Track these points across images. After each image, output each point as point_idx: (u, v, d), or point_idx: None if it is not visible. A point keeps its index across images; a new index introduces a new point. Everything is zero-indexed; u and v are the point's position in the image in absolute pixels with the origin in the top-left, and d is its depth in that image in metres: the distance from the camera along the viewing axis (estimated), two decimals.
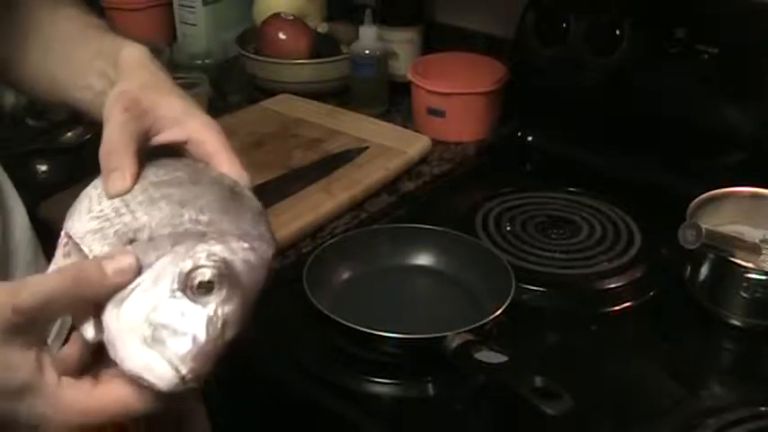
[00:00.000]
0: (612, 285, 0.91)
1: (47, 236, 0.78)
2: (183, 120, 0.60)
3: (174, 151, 0.61)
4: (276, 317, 0.80)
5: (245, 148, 1.14)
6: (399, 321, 0.81)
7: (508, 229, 1.00)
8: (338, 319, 0.79)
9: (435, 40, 1.34)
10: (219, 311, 0.49)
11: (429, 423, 0.77)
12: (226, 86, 1.37)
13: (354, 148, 1.13)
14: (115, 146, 0.57)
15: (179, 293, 0.48)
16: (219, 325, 0.48)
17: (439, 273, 0.91)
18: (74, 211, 0.58)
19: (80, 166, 1.09)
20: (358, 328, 0.78)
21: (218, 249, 0.50)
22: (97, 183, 0.59)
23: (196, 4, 1.41)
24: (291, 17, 1.35)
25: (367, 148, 1.13)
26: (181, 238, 0.51)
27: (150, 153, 0.60)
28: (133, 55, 0.63)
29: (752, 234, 0.89)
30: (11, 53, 0.72)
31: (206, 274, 0.49)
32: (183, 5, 1.43)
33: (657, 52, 1.04)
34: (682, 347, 0.86)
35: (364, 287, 0.89)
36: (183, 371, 0.47)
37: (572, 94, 1.12)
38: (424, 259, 0.92)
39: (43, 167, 1.12)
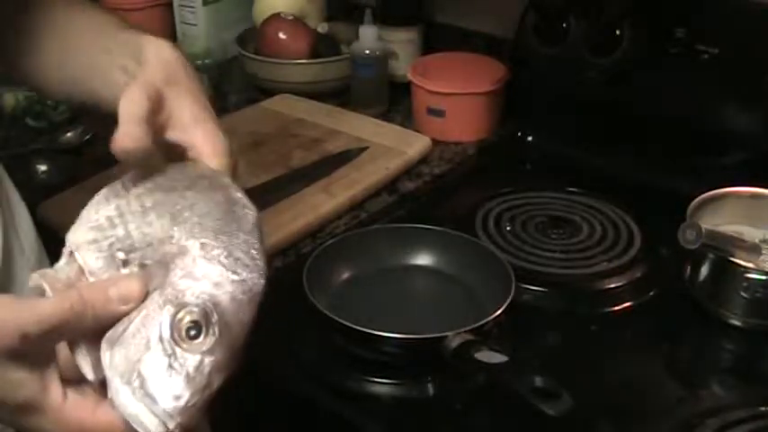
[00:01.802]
0: (612, 285, 0.91)
1: (46, 236, 0.78)
2: (192, 126, 0.60)
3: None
4: (276, 317, 0.80)
5: (245, 149, 1.14)
6: (399, 321, 0.81)
7: (508, 229, 1.00)
8: (338, 319, 0.79)
9: (435, 40, 1.34)
10: (206, 361, 0.49)
11: (429, 423, 0.77)
12: (226, 86, 1.37)
13: (354, 149, 1.13)
14: (129, 115, 0.56)
15: (166, 341, 0.48)
16: (206, 375, 0.49)
17: (439, 273, 0.91)
18: (77, 220, 0.58)
19: (80, 166, 1.09)
20: (358, 328, 0.78)
21: (207, 287, 0.50)
22: (101, 192, 0.59)
23: (196, 4, 1.41)
24: (291, 17, 1.35)
25: (367, 148, 1.13)
26: (171, 266, 0.51)
27: None
28: (159, 52, 0.63)
29: (752, 234, 0.89)
30: (28, 55, 0.73)
31: (193, 315, 0.49)
32: (183, 5, 1.43)
33: (657, 52, 1.04)
34: (682, 347, 0.86)
35: (364, 287, 0.89)
36: (171, 425, 0.48)
37: (572, 94, 1.12)
38: (424, 259, 0.92)
39: (43, 167, 1.12)
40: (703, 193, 0.90)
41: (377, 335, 0.78)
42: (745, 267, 0.82)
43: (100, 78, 0.66)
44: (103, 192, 0.58)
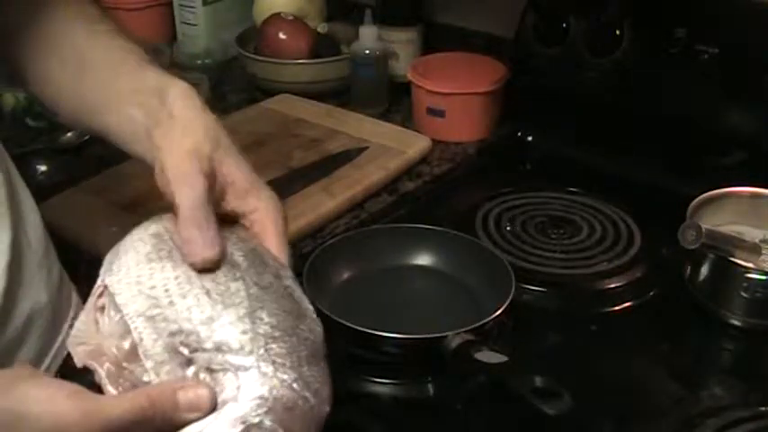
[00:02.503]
0: (612, 285, 0.91)
1: None
2: (251, 193, 0.59)
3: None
4: None
5: (245, 149, 1.13)
6: (399, 321, 0.81)
7: (508, 229, 1.00)
8: (338, 319, 0.79)
9: (435, 40, 1.33)
10: None
11: (429, 423, 0.77)
12: (226, 86, 1.37)
13: (354, 148, 1.13)
14: (200, 212, 0.56)
15: None
16: None
17: (439, 273, 0.91)
18: (118, 263, 0.56)
19: (80, 166, 1.09)
20: (358, 328, 0.78)
21: (278, 411, 0.49)
22: (144, 235, 0.57)
23: (196, 4, 1.41)
24: (291, 17, 1.35)
25: (367, 148, 1.13)
26: (241, 379, 0.49)
27: None
28: (185, 96, 0.62)
29: (752, 234, 0.89)
30: (43, 79, 0.72)
31: None
32: (183, 5, 1.43)
33: (657, 52, 1.04)
34: (682, 347, 0.86)
35: (364, 287, 0.89)
36: None
37: (572, 94, 1.12)
38: (424, 259, 0.92)
39: (43, 167, 1.12)
40: (703, 193, 0.90)
41: (377, 335, 0.78)
42: (745, 267, 0.82)
43: (114, 113, 0.66)
44: (153, 242, 0.56)
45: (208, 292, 0.53)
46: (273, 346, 0.51)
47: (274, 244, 0.60)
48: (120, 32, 0.71)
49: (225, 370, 0.50)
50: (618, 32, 1.07)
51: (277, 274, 0.57)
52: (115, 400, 0.50)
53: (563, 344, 0.86)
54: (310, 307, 0.57)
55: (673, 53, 1.02)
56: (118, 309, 0.53)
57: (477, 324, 0.78)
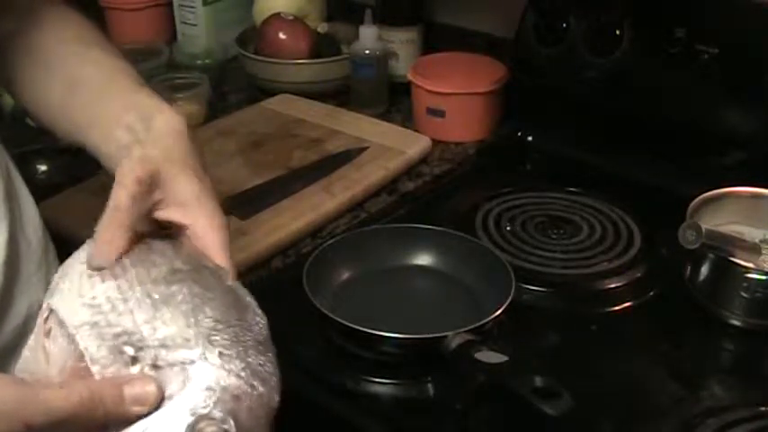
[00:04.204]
0: (612, 285, 0.91)
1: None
2: (192, 207, 0.60)
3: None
4: (276, 317, 0.80)
5: (245, 149, 1.14)
6: (399, 321, 0.81)
7: (508, 229, 1.00)
8: (338, 319, 0.79)
9: (435, 40, 1.33)
10: None
11: (429, 423, 0.77)
12: (226, 86, 1.37)
13: (354, 148, 1.13)
14: (115, 218, 0.57)
15: None
16: None
17: (439, 273, 0.91)
18: (61, 283, 0.56)
19: (80, 166, 1.09)
20: (358, 328, 0.78)
21: (227, 400, 0.49)
22: (81, 256, 0.57)
23: (196, 4, 1.41)
24: (291, 17, 1.35)
25: (367, 148, 1.13)
26: (187, 373, 0.50)
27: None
28: (170, 123, 0.63)
29: (752, 234, 0.89)
30: (32, 86, 0.72)
31: (213, 427, 0.48)
32: (183, 5, 1.43)
33: (657, 52, 1.04)
34: (682, 347, 0.86)
35: (364, 287, 0.89)
36: None
37: (572, 94, 1.12)
38: (424, 259, 0.92)
39: (43, 167, 1.12)
40: (703, 193, 0.90)
41: (377, 335, 0.78)
42: (745, 267, 0.82)
43: (100, 132, 0.66)
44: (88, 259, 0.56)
45: (149, 294, 0.53)
46: (218, 337, 0.52)
47: (215, 253, 0.60)
48: (112, 52, 0.72)
49: (171, 365, 0.50)
50: (618, 32, 1.07)
51: (217, 275, 0.57)
52: (55, 390, 0.50)
53: (563, 344, 0.86)
54: (253, 302, 0.57)
55: (673, 53, 1.02)
56: (63, 325, 0.53)
57: (477, 324, 0.78)
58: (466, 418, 0.76)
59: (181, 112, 0.65)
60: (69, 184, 1.05)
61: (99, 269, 0.55)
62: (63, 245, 0.74)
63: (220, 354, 0.51)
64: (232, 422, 0.48)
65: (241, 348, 0.52)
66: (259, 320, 0.56)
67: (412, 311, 0.87)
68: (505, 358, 0.73)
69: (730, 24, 1.00)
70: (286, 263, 0.95)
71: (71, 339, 0.52)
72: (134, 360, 0.50)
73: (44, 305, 0.56)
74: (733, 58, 0.99)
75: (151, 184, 0.58)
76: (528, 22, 1.15)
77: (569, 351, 0.84)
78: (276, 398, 0.53)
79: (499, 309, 0.80)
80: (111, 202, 0.57)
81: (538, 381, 0.69)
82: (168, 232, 0.61)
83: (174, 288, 0.54)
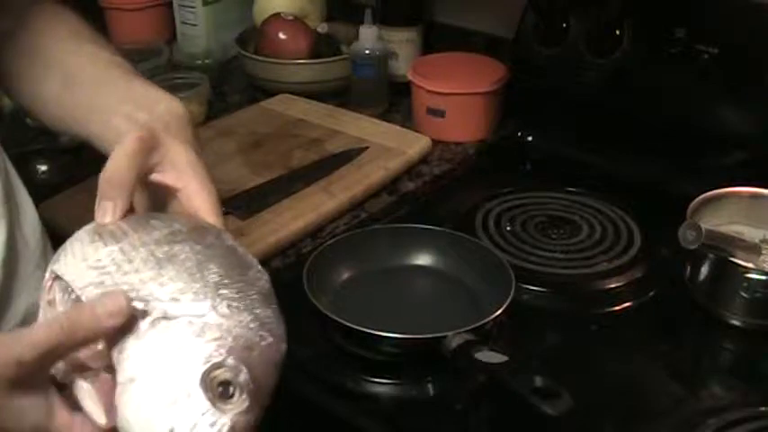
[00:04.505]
0: (612, 285, 0.91)
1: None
2: (186, 172, 0.61)
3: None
4: None
5: (245, 149, 1.14)
6: (399, 321, 0.81)
7: (508, 229, 1.00)
8: (338, 319, 0.79)
9: (435, 40, 1.34)
10: (240, 423, 0.49)
11: (429, 423, 0.77)
12: (226, 86, 1.37)
13: (354, 148, 1.13)
14: (116, 175, 0.58)
15: (198, 394, 0.48)
16: None
17: (439, 273, 0.91)
18: (64, 253, 0.57)
19: (80, 166, 1.09)
20: (358, 328, 0.78)
21: (239, 349, 0.50)
22: (89, 228, 0.58)
23: (196, 4, 1.41)
24: (291, 17, 1.35)
25: (367, 148, 1.13)
26: (197, 324, 0.50)
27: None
28: (172, 109, 0.66)
29: (752, 234, 0.89)
30: (30, 84, 0.73)
31: (227, 374, 0.49)
32: (182, 5, 1.43)
33: (657, 52, 1.04)
34: (682, 347, 0.86)
35: (364, 287, 0.89)
36: None
37: (572, 94, 1.12)
38: (424, 259, 0.92)
39: (43, 168, 1.12)
40: (703, 193, 0.90)
41: (377, 335, 0.78)
42: (745, 267, 0.82)
43: (99, 122, 0.67)
44: (92, 230, 0.57)
45: (152, 254, 0.54)
46: (225, 291, 0.52)
47: (207, 213, 0.61)
48: (106, 47, 0.74)
49: (181, 317, 0.51)
50: (618, 32, 1.07)
51: (218, 235, 0.58)
52: (36, 326, 0.52)
53: (563, 344, 0.86)
54: (255, 260, 0.58)
55: (673, 53, 1.02)
56: (68, 290, 0.54)
57: (477, 324, 0.78)
58: (466, 418, 0.76)
59: (178, 101, 0.67)
60: (69, 184, 1.04)
61: (102, 228, 0.56)
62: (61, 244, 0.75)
63: (229, 306, 0.52)
64: (245, 369, 0.49)
65: (249, 301, 0.53)
66: (261, 275, 0.57)
67: (412, 311, 0.87)
68: (505, 358, 0.73)
69: (730, 24, 1.00)
70: (286, 263, 0.95)
71: (77, 300, 0.53)
72: (144, 313, 0.51)
73: (47, 273, 0.57)
74: (733, 58, 0.99)
75: (150, 144, 0.60)
76: (528, 22, 1.15)
77: (569, 351, 0.84)
78: (283, 347, 0.54)
79: (499, 309, 0.80)
80: (112, 160, 0.58)
81: (538, 381, 0.69)
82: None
83: (177, 248, 0.54)
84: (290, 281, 0.86)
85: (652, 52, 1.05)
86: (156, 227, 0.56)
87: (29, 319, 0.69)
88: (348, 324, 0.79)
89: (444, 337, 0.77)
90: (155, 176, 0.61)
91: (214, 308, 0.51)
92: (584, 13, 1.10)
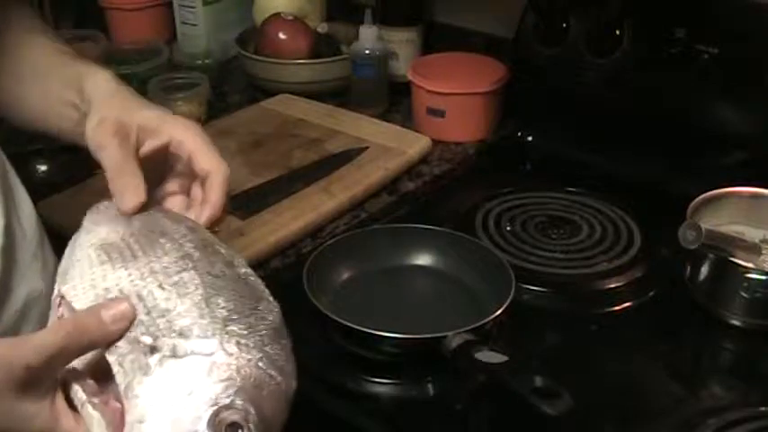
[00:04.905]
0: (612, 285, 0.91)
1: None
2: (160, 126, 0.63)
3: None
4: None
5: (245, 149, 1.14)
6: (399, 321, 0.81)
7: (508, 229, 1.00)
8: (338, 319, 0.79)
9: (435, 40, 1.33)
10: None
11: (429, 423, 0.77)
12: (226, 86, 1.37)
13: (354, 148, 1.13)
14: (120, 166, 0.60)
15: None
16: None
17: (439, 273, 0.91)
18: (72, 273, 0.57)
19: (80, 166, 1.09)
20: (358, 328, 0.78)
21: (248, 389, 0.50)
22: (93, 240, 0.59)
23: (196, 4, 1.41)
24: (291, 17, 1.35)
25: (367, 148, 1.13)
26: (206, 362, 0.50)
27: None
28: (100, 85, 0.66)
29: (752, 234, 0.89)
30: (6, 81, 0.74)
31: (234, 416, 0.48)
32: (183, 5, 1.43)
33: (657, 52, 1.04)
34: (682, 347, 0.86)
35: (364, 287, 0.89)
36: None
37: (572, 94, 1.12)
38: (424, 259, 0.92)
39: (43, 167, 1.12)
40: (703, 193, 0.90)
41: (377, 335, 0.78)
42: (745, 267, 0.82)
43: (56, 115, 0.69)
44: (99, 246, 0.57)
45: (161, 285, 0.54)
46: (234, 327, 0.52)
47: (204, 153, 0.63)
48: (53, 35, 0.75)
49: (190, 355, 0.50)
50: (618, 32, 1.07)
51: (229, 262, 0.58)
52: (43, 331, 0.52)
53: (563, 344, 0.86)
54: (266, 290, 0.58)
55: (673, 53, 1.02)
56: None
57: (477, 324, 0.78)
58: (466, 418, 0.76)
59: (105, 68, 0.68)
60: (69, 183, 1.04)
61: (110, 246, 0.57)
62: (63, 244, 0.75)
63: (238, 344, 0.51)
64: (253, 410, 0.49)
65: (258, 338, 0.52)
66: (273, 308, 0.56)
67: (412, 311, 0.87)
68: (505, 358, 0.73)
69: (730, 24, 1.00)
70: (286, 263, 0.95)
71: None
72: (153, 349, 0.51)
73: (55, 291, 0.57)
74: (733, 58, 0.99)
75: (123, 131, 0.61)
76: (528, 22, 1.15)
77: (569, 351, 0.84)
78: (293, 385, 0.54)
79: (499, 309, 0.80)
80: (108, 162, 0.61)
81: (538, 381, 0.69)
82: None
83: (186, 276, 0.54)
84: (290, 281, 0.86)
85: (652, 52, 1.05)
86: (167, 250, 0.56)
87: (29, 304, 0.71)
88: (348, 324, 0.79)
89: (444, 337, 0.77)
90: (143, 150, 0.63)
91: (223, 346, 0.51)
92: (584, 13, 1.10)
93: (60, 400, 0.52)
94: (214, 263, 0.56)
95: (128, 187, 0.60)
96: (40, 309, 0.72)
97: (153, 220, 0.60)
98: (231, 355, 0.50)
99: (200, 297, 0.53)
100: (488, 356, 0.74)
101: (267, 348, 0.52)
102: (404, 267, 0.92)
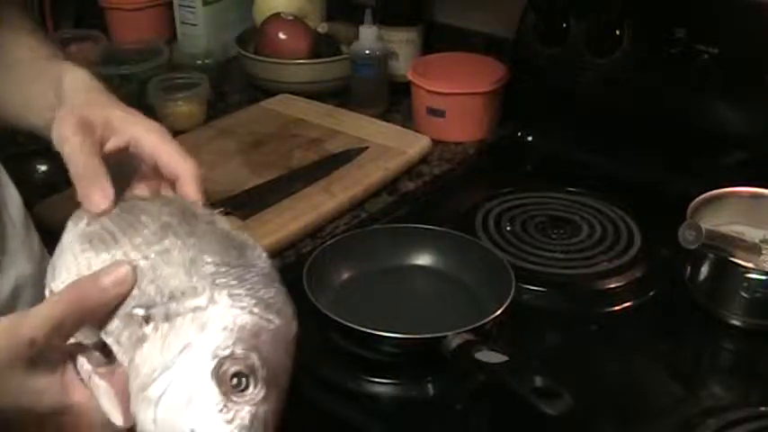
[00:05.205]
0: (612, 285, 0.91)
1: (44, 236, 0.78)
2: (122, 124, 0.63)
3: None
4: None
5: (245, 149, 1.14)
6: (399, 321, 0.81)
7: (508, 229, 1.00)
8: (338, 319, 0.79)
9: (435, 40, 1.33)
10: (260, 411, 0.48)
11: (429, 423, 0.77)
12: (226, 86, 1.37)
13: (354, 148, 1.13)
14: (82, 168, 0.60)
15: (212, 391, 0.48)
16: (262, 425, 0.48)
17: (439, 273, 0.91)
18: (59, 268, 0.57)
19: None
20: (358, 328, 0.78)
21: (246, 337, 0.49)
22: (72, 233, 0.59)
23: (196, 4, 1.41)
24: (291, 17, 1.35)
25: (367, 148, 1.13)
26: (202, 319, 0.50)
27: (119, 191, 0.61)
28: (75, 82, 0.66)
29: (752, 234, 0.89)
30: None
31: (237, 366, 0.48)
32: (183, 5, 1.43)
33: (657, 52, 1.04)
34: (682, 347, 0.86)
35: (364, 287, 0.89)
36: None
37: (572, 94, 1.12)
38: (424, 259, 0.92)
39: (43, 167, 1.12)
40: (703, 193, 0.90)
41: (377, 335, 0.78)
42: (745, 267, 0.82)
43: (35, 115, 0.69)
44: (81, 235, 0.57)
45: (145, 257, 0.54)
46: (223, 279, 0.52)
47: (165, 152, 0.62)
48: (42, 36, 0.75)
49: (183, 314, 0.50)
50: (618, 32, 1.07)
51: (210, 221, 0.58)
52: (43, 303, 0.52)
53: (563, 344, 0.86)
54: (250, 238, 0.58)
55: (673, 53, 1.02)
56: None
57: (477, 324, 0.78)
58: (466, 418, 0.76)
59: (84, 68, 0.68)
60: (69, 183, 1.04)
61: (92, 232, 0.57)
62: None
63: (229, 294, 0.51)
64: (255, 356, 0.49)
65: (249, 285, 0.52)
66: (259, 254, 0.56)
67: (412, 311, 0.87)
68: (505, 358, 0.73)
69: (730, 24, 1.00)
70: (286, 263, 0.95)
71: None
72: (146, 319, 0.51)
73: (47, 290, 0.57)
74: (733, 58, 0.99)
75: (88, 126, 0.61)
76: (528, 22, 1.15)
77: (569, 351, 0.84)
78: (294, 327, 0.53)
79: (499, 309, 0.80)
80: (70, 162, 0.60)
81: (538, 381, 0.69)
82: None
83: (168, 243, 0.54)
84: (290, 281, 0.84)
85: (652, 52, 1.05)
86: (145, 223, 0.56)
87: (20, 287, 0.74)
88: (348, 324, 0.79)
89: (444, 337, 0.77)
90: (107, 147, 0.62)
91: (214, 299, 0.51)
92: (584, 13, 1.10)
93: (71, 372, 0.52)
94: (194, 225, 0.56)
95: (94, 190, 0.59)
96: (30, 291, 0.74)
97: (129, 205, 0.60)
98: (224, 306, 0.50)
99: (183, 258, 0.53)
100: (488, 356, 0.74)
101: (260, 294, 0.52)
102: (404, 267, 0.92)
